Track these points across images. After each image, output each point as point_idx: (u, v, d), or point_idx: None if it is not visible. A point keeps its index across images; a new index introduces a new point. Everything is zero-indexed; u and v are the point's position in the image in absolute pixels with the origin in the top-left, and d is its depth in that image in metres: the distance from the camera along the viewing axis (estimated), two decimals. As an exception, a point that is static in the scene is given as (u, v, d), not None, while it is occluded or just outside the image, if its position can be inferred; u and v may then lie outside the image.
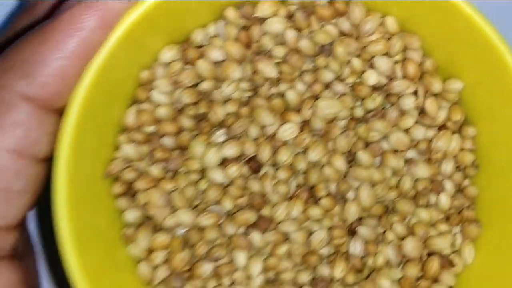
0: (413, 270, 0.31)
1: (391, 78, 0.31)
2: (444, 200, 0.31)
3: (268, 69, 0.30)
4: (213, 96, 0.30)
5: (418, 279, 0.31)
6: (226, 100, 0.31)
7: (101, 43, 0.27)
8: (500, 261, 0.31)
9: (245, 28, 0.30)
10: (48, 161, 0.28)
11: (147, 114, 0.30)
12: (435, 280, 0.31)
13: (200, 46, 0.31)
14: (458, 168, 0.32)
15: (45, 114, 0.27)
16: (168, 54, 0.30)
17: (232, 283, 0.31)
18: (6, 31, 0.31)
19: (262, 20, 0.30)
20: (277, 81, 0.31)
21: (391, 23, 0.31)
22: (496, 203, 0.32)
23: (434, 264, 0.31)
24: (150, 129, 0.30)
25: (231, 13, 0.30)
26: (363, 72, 0.31)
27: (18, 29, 0.30)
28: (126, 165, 0.30)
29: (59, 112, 0.27)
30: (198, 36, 0.30)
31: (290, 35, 0.30)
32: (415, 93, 0.31)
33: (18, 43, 0.27)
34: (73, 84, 0.27)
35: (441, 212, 0.32)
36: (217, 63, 0.30)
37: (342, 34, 0.31)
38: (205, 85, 0.30)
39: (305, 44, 0.30)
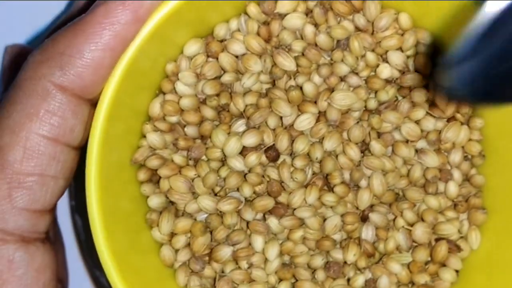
0: (422, 255, 0.32)
1: (403, 72, 0.31)
2: (452, 188, 0.32)
3: (287, 62, 0.31)
4: (234, 88, 0.31)
5: (426, 263, 0.32)
6: (247, 92, 0.31)
7: (132, 37, 0.28)
8: (505, 246, 0.32)
9: (266, 23, 0.31)
10: (80, 149, 0.29)
11: (171, 104, 0.31)
12: (443, 264, 0.32)
13: (222, 40, 0.31)
14: (465, 157, 0.33)
15: (79, 104, 0.28)
16: (192, 47, 0.31)
17: (250, 266, 0.31)
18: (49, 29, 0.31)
19: (282, 16, 0.31)
20: (295, 74, 0.31)
21: (405, 20, 0.31)
22: (501, 191, 0.32)
23: (442, 249, 0.32)
24: (174, 118, 0.31)
25: (252, 9, 0.31)
26: (377, 65, 0.31)
27: (56, 25, 0.31)
28: (151, 153, 0.31)
29: (93, 102, 0.28)
30: (221, 31, 0.31)
31: (309, 30, 0.31)
32: (426, 86, 0.32)
33: (54, 36, 0.28)
34: (106, 75, 0.28)
35: (449, 200, 0.32)
36: (239, 57, 0.31)
37: (358, 29, 0.31)
38: (227, 77, 0.31)
39: (322, 39, 0.31)
